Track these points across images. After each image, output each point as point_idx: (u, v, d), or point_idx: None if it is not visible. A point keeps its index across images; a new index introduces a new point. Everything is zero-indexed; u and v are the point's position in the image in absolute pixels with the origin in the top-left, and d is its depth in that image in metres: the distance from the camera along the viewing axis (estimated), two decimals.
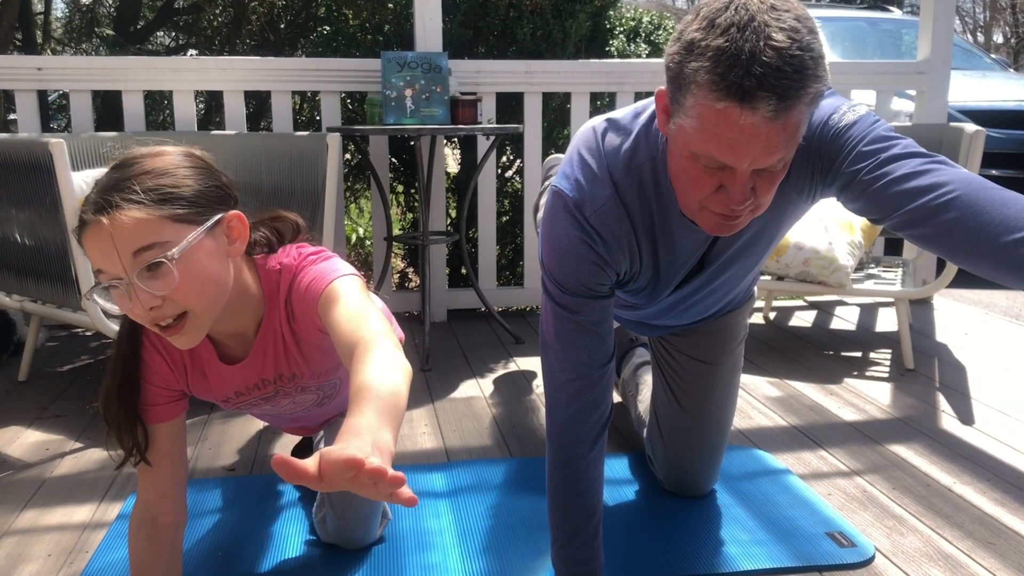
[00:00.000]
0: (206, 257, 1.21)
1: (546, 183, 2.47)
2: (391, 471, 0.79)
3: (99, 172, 2.54)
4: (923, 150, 1.23)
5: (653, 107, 1.38)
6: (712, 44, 1.10)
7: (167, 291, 1.17)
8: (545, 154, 3.53)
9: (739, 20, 1.09)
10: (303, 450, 2.04)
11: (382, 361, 1.03)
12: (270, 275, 1.36)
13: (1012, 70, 7.25)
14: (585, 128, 1.45)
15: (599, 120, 1.44)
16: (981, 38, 18.54)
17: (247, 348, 1.39)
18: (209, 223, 1.22)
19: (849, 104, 1.32)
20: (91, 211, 1.16)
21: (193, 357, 1.40)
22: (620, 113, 1.44)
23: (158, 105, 5.03)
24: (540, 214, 2.34)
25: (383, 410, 0.92)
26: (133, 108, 3.09)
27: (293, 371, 1.43)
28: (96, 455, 2.13)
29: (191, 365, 1.41)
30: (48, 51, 5.81)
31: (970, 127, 2.74)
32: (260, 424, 2.32)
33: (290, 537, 1.72)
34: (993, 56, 7.00)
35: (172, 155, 1.24)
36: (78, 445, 2.20)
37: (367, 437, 0.86)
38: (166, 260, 1.16)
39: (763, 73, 1.07)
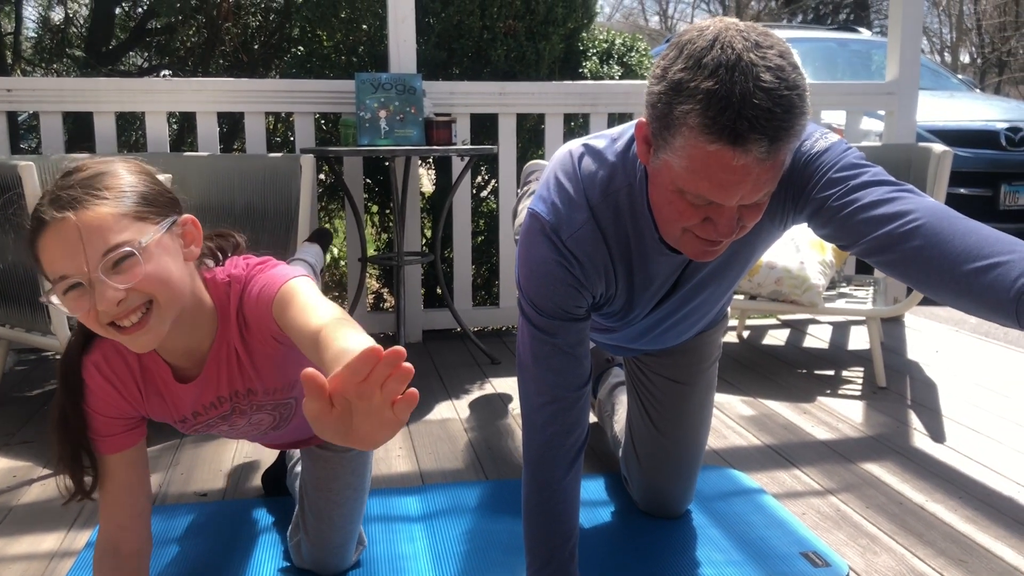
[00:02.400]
0: (166, 254, 1.21)
1: (525, 188, 2.48)
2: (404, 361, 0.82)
3: None
4: (892, 178, 1.24)
5: (630, 133, 1.39)
6: (702, 86, 1.11)
7: (133, 283, 1.16)
8: (520, 175, 3.54)
9: (726, 60, 1.10)
10: (274, 476, 2.02)
11: (350, 334, 1.02)
12: (219, 287, 1.34)
13: (978, 90, 7.37)
14: (562, 152, 1.46)
15: (576, 144, 1.45)
16: (948, 58, 18.86)
17: (201, 365, 1.37)
18: (167, 222, 1.22)
19: (821, 131, 1.34)
20: (53, 209, 1.14)
21: (146, 378, 1.37)
22: (597, 138, 1.44)
23: (130, 126, 4.99)
24: (519, 220, 2.34)
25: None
26: (105, 129, 3.07)
27: (248, 386, 1.41)
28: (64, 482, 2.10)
29: (145, 387, 1.38)
30: (18, 72, 5.76)
31: (938, 147, 2.78)
32: (232, 449, 2.30)
33: (264, 563, 1.70)
34: (960, 76, 7.12)
35: (118, 162, 1.24)
36: (46, 472, 2.16)
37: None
38: (135, 251, 1.15)
39: (755, 116, 1.09)
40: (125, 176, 1.21)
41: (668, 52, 1.17)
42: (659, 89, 1.17)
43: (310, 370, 0.79)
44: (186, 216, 1.27)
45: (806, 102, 1.14)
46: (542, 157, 3.67)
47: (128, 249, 1.15)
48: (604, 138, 1.43)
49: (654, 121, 1.19)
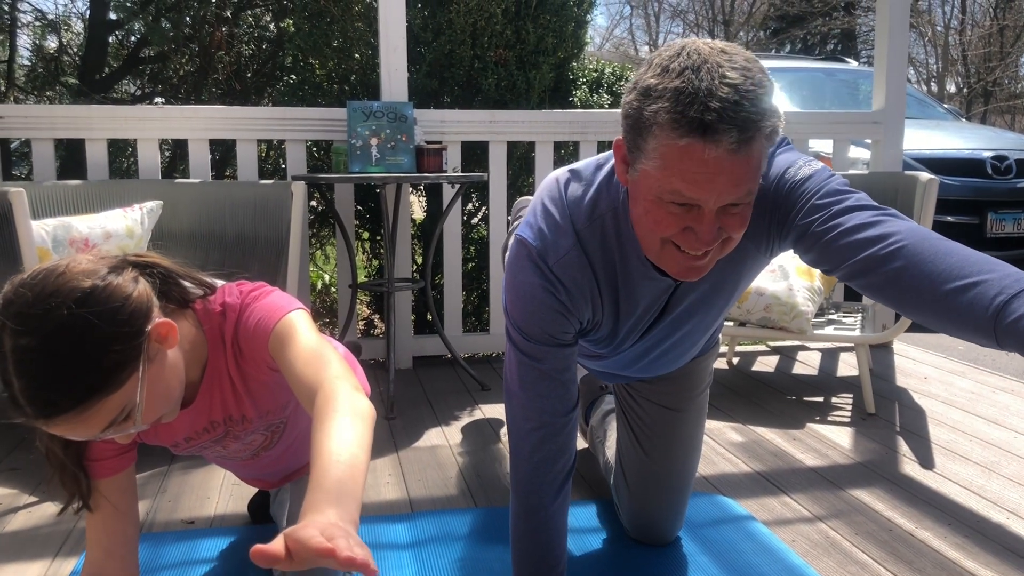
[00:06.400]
0: (158, 377, 1.21)
1: (515, 224, 2.49)
2: (362, 556, 0.79)
3: (59, 221, 2.49)
4: (874, 203, 1.26)
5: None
6: (669, 86, 1.14)
7: (142, 428, 1.20)
8: (510, 202, 3.56)
9: (692, 63, 1.14)
10: (260, 504, 2.01)
11: (343, 421, 1.02)
12: (212, 317, 1.33)
13: (964, 119, 7.45)
14: (549, 179, 1.48)
15: (562, 171, 1.47)
16: (935, 88, 19.05)
17: (194, 392, 1.37)
18: (142, 358, 1.16)
19: (805, 159, 1.35)
20: (41, 423, 1.12)
21: None
22: (582, 164, 1.46)
23: (122, 152, 5.00)
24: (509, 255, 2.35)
25: (343, 481, 0.92)
26: (97, 156, 3.08)
27: (243, 412, 1.41)
28: (50, 509, 2.08)
29: None
30: (11, 99, 5.78)
31: (924, 175, 2.80)
32: (220, 476, 2.28)
33: None
34: (946, 106, 7.20)
35: (67, 344, 1.10)
36: (32, 499, 2.14)
37: (330, 512, 0.87)
38: (133, 416, 1.17)
39: (722, 107, 1.11)
40: (83, 362, 1.10)
41: (640, 69, 1.21)
42: (631, 98, 1.20)
43: (260, 549, 0.79)
44: (149, 330, 1.17)
45: (774, 102, 1.16)
46: (532, 184, 3.69)
47: (125, 415, 1.16)
48: (590, 164, 1.45)
49: (628, 132, 1.22)
